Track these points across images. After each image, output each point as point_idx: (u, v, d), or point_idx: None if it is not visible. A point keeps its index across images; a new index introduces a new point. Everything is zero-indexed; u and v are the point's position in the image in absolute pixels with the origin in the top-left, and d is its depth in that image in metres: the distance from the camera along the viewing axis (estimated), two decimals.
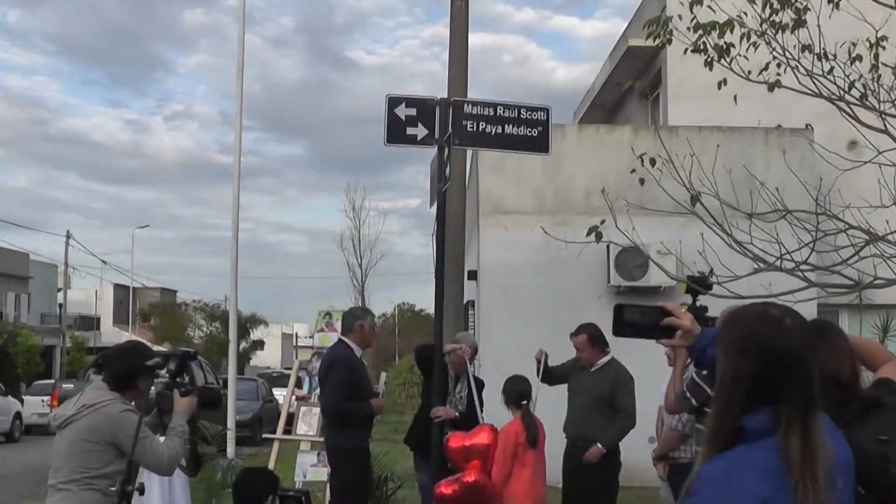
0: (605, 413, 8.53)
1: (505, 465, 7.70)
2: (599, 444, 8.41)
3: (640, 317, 3.27)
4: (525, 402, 7.97)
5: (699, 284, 4.74)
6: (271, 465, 10.29)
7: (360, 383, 8.33)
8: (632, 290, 15.39)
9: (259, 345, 61.15)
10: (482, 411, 8.57)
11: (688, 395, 5.74)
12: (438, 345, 8.27)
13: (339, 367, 8.18)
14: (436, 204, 8.37)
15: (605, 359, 8.62)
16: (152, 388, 5.31)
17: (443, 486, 7.64)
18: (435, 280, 8.14)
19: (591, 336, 8.58)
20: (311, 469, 10.71)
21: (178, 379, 5.38)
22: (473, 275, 16.03)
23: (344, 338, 8.43)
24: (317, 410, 9.99)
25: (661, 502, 8.75)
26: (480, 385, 8.90)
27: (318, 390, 9.28)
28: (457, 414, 8.46)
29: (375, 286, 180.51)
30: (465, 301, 14.61)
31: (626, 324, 3.27)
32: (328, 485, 8.81)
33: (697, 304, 4.23)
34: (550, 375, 8.83)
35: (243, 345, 53.34)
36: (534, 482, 7.82)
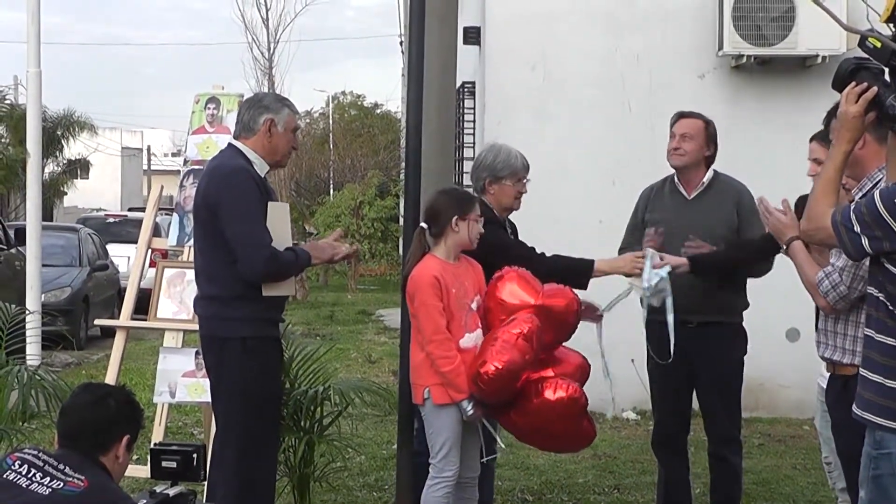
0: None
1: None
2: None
3: None
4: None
5: None
6: (112, 378, 7.57)
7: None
8: (763, 64, 10.68)
9: (82, 168, 44.51)
10: None
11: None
12: (411, 181, 6.14)
13: (242, 183, 5.61)
14: None
15: (710, 174, 6.36)
16: None
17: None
18: (408, 41, 6.33)
19: (709, 125, 6.31)
20: (183, 383, 7.69)
21: None
22: (474, 34, 11.60)
23: (238, 142, 5.88)
24: (192, 275, 7.01)
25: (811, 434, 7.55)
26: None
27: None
28: None
29: (294, 64, 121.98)
30: (458, 84, 10.43)
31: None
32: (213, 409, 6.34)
33: None
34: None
35: (52, 168, 41.00)
36: None
